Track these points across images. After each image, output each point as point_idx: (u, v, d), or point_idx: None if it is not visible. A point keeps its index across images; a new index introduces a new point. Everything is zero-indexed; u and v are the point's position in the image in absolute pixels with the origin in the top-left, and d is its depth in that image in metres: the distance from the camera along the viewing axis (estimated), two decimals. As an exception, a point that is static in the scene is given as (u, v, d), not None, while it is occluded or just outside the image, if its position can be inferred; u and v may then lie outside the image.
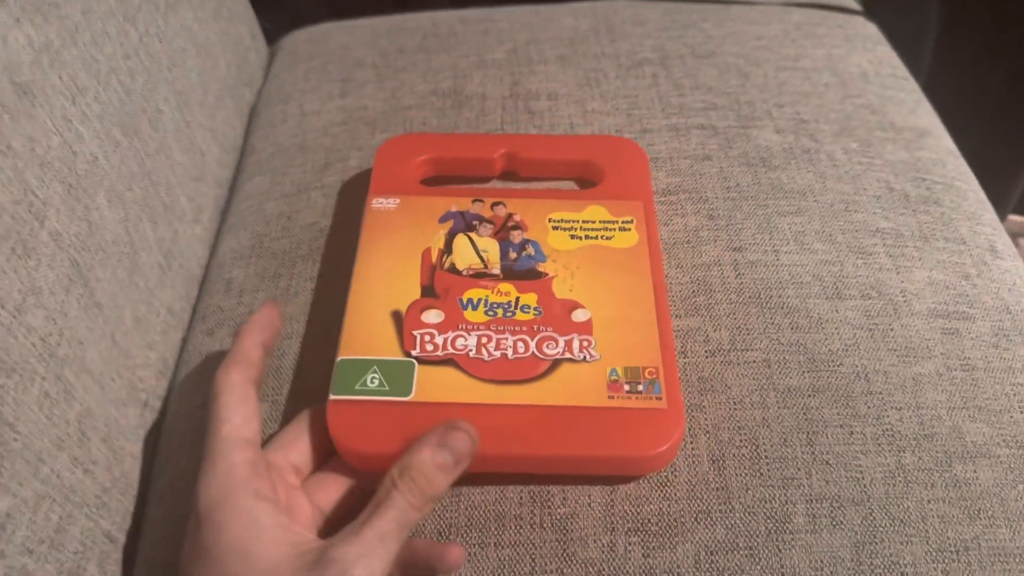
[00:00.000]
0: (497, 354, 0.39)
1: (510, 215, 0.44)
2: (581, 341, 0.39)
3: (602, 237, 0.43)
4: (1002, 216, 0.92)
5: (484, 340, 0.39)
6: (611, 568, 0.35)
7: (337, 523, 0.34)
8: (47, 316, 0.36)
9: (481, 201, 0.45)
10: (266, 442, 0.37)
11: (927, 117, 0.55)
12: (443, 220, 0.44)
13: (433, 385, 0.38)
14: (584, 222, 0.44)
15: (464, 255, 0.43)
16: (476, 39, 0.60)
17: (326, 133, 0.55)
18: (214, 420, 0.34)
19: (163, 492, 0.41)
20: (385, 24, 0.64)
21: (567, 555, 0.36)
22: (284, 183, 0.52)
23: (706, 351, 0.41)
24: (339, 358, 0.39)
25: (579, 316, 0.40)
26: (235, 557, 0.31)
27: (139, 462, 0.41)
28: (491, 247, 0.43)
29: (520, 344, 0.39)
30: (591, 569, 0.35)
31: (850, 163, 0.50)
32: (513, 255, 0.43)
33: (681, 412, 0.37)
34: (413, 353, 0.39)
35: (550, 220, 0.44)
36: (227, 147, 0.56)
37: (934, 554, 0.36)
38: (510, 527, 0.36)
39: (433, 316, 0.40)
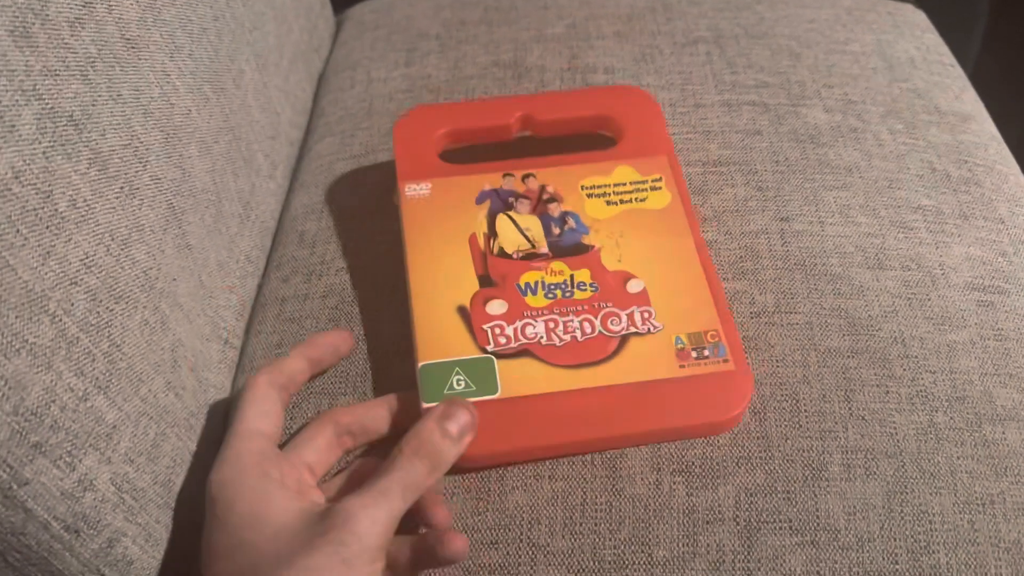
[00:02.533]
0: (567, 337, 0.40)
1: (543, 187, 0.45)
2: (642, 313, 0.41)
3: (636, 200, 0.44)
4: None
5: (551, 325, 0.41)
6: (656, 503, 0.38)
7: None
8: (148, 252, 0.39)
9: (512, 175, 0.46)
10: (283, 444, 0.39)
11: (971, 103, 0.57)
12: (479, 201, 0.45)
13: (515, 379, 0.39)
14: (616, 185, 0.45)
15: (509, 236, 0.44)
16: (536, 13, 0.62)
17: (391, 99, 0.57)
18: (233, 416, 0.38)
19: (241, 422, 0.44)
20: (448, -2, 0.66)
21: (616, 490, 0.39)
22: (352, 144, 0.55)
23: (751, 312, 0.44)
24: (420, 364, 0.40)
25: (634, 287, 0.42)
26: (246, 523, 0.33)
27: (221, 393, 0.45)
28: (533, 224, 0.44)
29: (586, 324, 0.40)
30: (638, 504, 0.38)
31: (895, 143, 0.52)
32: (556, 230, 0.44)
33: (749, 370, 0.39)
34: (489, 348, 0.40)
35: (583, 187, 0.45)
36: (299, 109, 0.60)
37: (961, 505, 0.38)
38: (563, 462, 0.39)
39: (497, 307, 0.41)
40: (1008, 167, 0.53)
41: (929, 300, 0.44)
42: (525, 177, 0.46)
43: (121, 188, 0.38)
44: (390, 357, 0.44)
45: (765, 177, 0.49)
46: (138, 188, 0.39)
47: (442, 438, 0.36)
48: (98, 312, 0.35)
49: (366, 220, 0.50)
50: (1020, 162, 0.55)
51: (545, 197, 0.45)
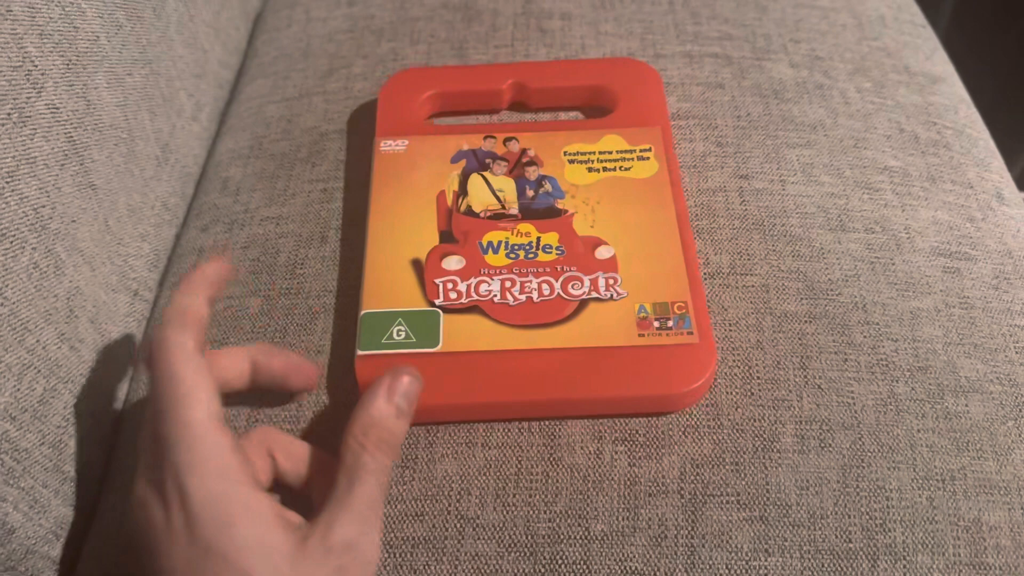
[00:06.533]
0: (522, 298, 0.38)
1: (524, 151, 0.43)
2: (607, 279, 0.38)
3: (620, 168, 0.42)
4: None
5: (508, 284, 0.38)
6: (596, 474, 0.35)
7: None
8: (40, 187, 0.35)
9: (493, 138, 0.43)
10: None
11: (942, 65, 0.54)
12: (455, 160, 0.43)
13: (460, 334, 0.37)
14: (600, 153, 0.43)
15: (480, 196, 0.41)
16: (490, -43, 0.58)
17: (331, 40, 0.53)
18: (177, 397, 0.29)
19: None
20: (398, -62, 0.62)
21: (553, 459, 0.36)
22: (286, 87, 0.51)
23: (705, 273, 0.41)
24: (363, 311, 0.38)
25: (603, 253, 0.39)
26: (251, 553, 0.28)
27: (126, 348, 0.41)
28: (507, 186, 0.42)
29: (545, 286, 0.38)
30: (576, 474, 0.35)
31: (862, 101, 0.49)
32: (530, 193, 0.41)
33: (713, 345, 0.36)
34: (437, 302, 0.38)
35: (565, 154, 0.43)
36: (230, 48, 0.55)
37: (920, 481, 0.36)
38: (498, 429, 0.36)
39: (454, 263, 0.39)
40: (978, 131, 0.51)
41: (893, 265, 0.42)
42: (507, 140, 0.43)
43: (8, 115, 0.34)
44: (314, 313, 0.40)
45: (725, 132, 0.46)
46: (30, 116, 0.35)
47: (397, 418, 0.32)
48: (-26, 250, 0.31)
49: (296, 167, 0.46)
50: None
51: (524, 160, 0.42)
